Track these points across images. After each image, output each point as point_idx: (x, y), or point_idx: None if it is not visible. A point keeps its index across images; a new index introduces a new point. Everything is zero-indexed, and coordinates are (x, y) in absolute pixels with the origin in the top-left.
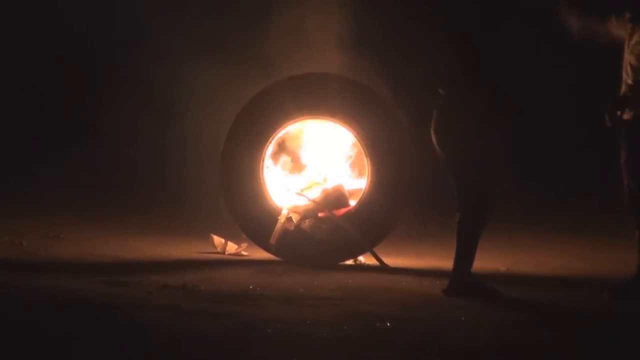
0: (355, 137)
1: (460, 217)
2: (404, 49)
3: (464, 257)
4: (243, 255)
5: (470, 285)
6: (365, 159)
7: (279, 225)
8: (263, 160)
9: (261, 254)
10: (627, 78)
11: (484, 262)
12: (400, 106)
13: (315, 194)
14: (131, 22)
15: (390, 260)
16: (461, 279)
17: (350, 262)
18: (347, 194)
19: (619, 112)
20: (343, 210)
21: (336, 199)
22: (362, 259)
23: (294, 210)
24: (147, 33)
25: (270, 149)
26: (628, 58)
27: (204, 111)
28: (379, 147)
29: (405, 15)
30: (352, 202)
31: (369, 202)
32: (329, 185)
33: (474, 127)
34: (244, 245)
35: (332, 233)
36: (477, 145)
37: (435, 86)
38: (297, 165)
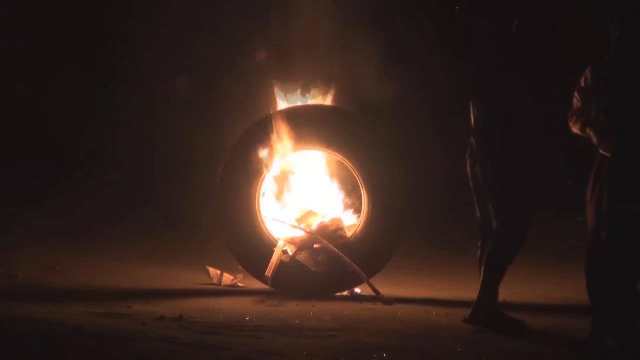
0: (352, 168)
1: (491, 246)
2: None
3: (491, 286)
4: (239, 286)
5: (494, 316)
6: (361, 190)
7: (275, 257)
8: (259, 192)
9: (257, 285)
10: None
11: None
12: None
13: (312, 225)
14: None
15: (387, 291)
16: (486, 309)
17: (346, 293)
18: (344, 226)
19: None
20: (339, 242)
21: (333, 231)
22: (358, 290)
23: (290, 242)
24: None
25: (266, 180)
26: None
27: (201, 144)
28: (376, 178)
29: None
30: (349, 234)
31: (365, 233)
32: (327, 218)
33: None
34: (240, 276)
35: (328, 264)
36: (515, 168)
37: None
38: (293, 197)
